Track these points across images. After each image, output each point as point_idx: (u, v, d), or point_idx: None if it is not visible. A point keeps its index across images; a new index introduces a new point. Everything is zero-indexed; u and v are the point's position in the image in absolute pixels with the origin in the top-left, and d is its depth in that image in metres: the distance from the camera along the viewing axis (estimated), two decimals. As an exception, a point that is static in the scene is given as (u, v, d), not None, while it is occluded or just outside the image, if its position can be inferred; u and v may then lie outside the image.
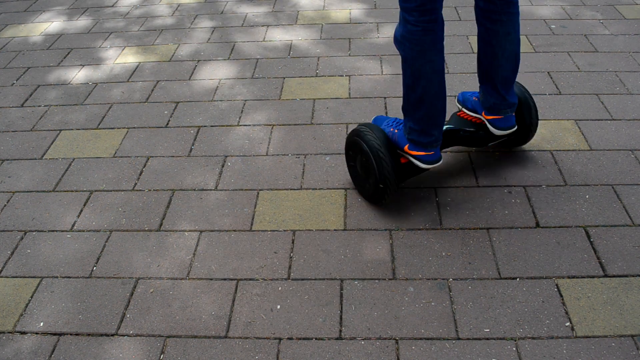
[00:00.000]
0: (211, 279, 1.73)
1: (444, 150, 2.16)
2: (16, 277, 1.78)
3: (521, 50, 2.80)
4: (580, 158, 2.12)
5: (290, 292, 1.68)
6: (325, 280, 1.71)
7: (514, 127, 1.96)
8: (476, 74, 2.64)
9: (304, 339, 1.55)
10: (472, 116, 2.04)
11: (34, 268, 1.81)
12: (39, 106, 2.63)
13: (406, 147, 1.83)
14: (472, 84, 2.58)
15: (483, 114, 1.98)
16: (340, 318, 1.60)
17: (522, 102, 2.02)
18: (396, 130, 1.88)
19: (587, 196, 1.95)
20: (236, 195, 2.04)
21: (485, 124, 2.00)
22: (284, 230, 1.88)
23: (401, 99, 2.51)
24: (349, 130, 2.32)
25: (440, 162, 1.86)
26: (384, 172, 1.78)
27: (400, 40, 1.69)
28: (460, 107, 2.09)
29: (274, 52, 2.96)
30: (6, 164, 2.28)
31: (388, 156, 1.78)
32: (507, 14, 1.76)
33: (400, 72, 2.71)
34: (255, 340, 1.55)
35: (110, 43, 3.15)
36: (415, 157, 1.83)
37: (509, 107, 1.91)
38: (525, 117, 2.02)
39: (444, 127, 1.96)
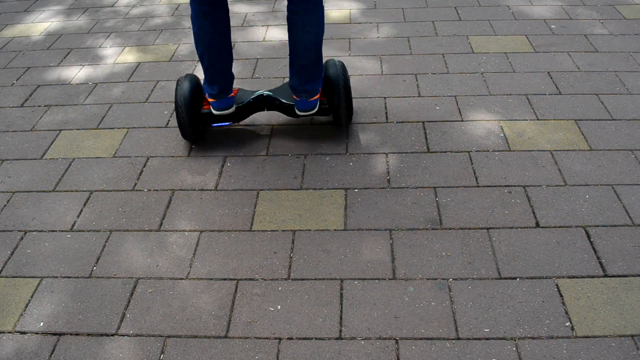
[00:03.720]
0: (211, 279, 1.73)
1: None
2: (16, 277, 1.78)
3: (521, 50, 2.80)
4: (580, 158, 2.12)
5: (290, 292, 1.68)
6: (325, 280, 1.71)
7: (313, 110, 2.18)
8: (477, 74, 2.64)
9: (304, 339, 1.55)
10: None
11: (34, 268, 1.81)
12: (39, 106, 2.63)
13: (206, 96, 2.19)
14: (472, 84, 2.58)
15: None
16: (340, 318, 1.60)
17: (332, 85, 2.16)
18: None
19: (587, 196, 1.95)
20: (236, 195, 2.04)
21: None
22: (284, 230, 1.88)
23: (401, 98, 2.51)
24: (349, 131, 2.32)
25: (230, 110, 2.19)
26: (178, 117, 2.18)
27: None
28: None
29: (274, 52, 2.95)
30: (6, 164, 2.28)
31: (183, 104, 2.15)
32: (304, 8, 1.96)
33: (401, 72, 2.72)
34: (255, 340, 1.55)
35: (110, 43, 3.15)
36: (210, 103, 2.20)
37: (304, 92, 2.13)
38: (335, 99, 2.17)
39: (266, 92, 2.24)
